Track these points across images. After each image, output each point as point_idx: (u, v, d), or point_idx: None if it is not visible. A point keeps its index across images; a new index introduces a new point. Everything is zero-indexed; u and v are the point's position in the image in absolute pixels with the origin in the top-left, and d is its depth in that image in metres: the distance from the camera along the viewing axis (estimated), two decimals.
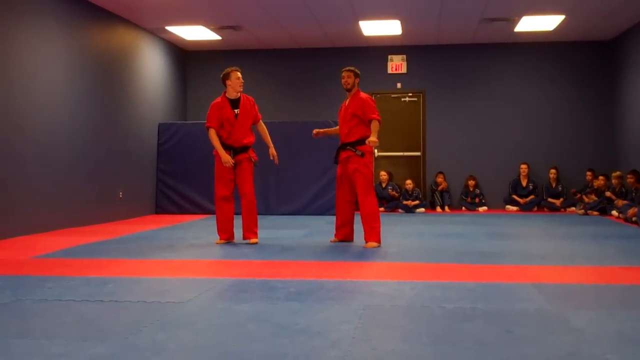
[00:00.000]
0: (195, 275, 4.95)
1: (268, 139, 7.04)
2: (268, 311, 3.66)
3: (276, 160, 7.03)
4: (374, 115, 6.51)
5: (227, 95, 6.78)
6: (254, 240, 6.72)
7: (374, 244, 6.45)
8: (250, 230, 6.74)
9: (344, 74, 6.69)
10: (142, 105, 10.86)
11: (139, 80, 10.79)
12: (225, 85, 6.78)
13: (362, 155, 6.52)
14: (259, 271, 5.10)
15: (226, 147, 6.71)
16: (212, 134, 6.70)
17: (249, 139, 6.84)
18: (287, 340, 3.05)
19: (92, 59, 9.28)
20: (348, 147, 6.59)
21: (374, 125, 6.50)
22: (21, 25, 7.67)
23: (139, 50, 10.81)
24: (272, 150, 7.01)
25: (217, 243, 6.79)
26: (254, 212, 6.77)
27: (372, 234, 6.48)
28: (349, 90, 6.69)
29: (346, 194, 6.74)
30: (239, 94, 6.78)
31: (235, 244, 6.71)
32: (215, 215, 6.96)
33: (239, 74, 6.74)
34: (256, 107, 6.96)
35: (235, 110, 6.74)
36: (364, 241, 6.56)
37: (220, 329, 3.29)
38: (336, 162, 6.78)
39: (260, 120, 7.01)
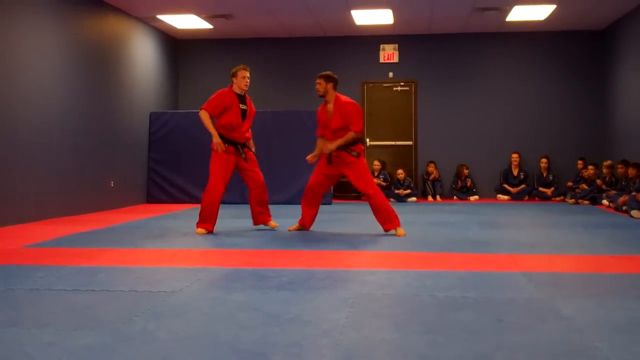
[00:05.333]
0: (187, 265, 4.95)
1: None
2: (259, 300, 3.66)
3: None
4: (356, 128, 6.47)
5: (234, 89, 6.81)
6: (274, 224, 7.01)
7: (401, 229, 6.60)
8: (268, 214, 7.02)
9: (316, 81, 6.63)
10: (133, 94, 10.81)
11: (130, 69, 10.73)
12: (232, 80, 6.82)
13: (358, 155, 6.58)
14: (250, 260, 5.10)
15: (229, 142, 6.76)
16: (205, 115, 6.71)
17: (249, 135, 6.94)
18: (279, 329, 3.06)
19: (83, 47, 9.22)
20: (344, 149, 6.56)
21: (350, 136, 6.48)
22: (11, 13, 7.60)
23: (130, 39, 10.75)
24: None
25: (200, 234, 6.75)
26: (266, 198, 7.03)
27: (395, 220, 6.56)
28: (323, 97, 6.64)
29: (323, 190, 6.82)
30: (243, 92, 6.83)
31: (223, 234, 6.71)
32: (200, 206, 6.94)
33: (245, 73, 6.78)
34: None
35: (243, 106, 6.81)
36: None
37: (211, 318, 3.29)
38: (329, 162, 6.69)
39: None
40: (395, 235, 6.53)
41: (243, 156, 6.79)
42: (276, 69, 12.75)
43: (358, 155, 6.56)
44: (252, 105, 7.00)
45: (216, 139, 6.66)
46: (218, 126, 6.76)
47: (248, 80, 6.79)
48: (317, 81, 6.62)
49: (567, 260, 5.16)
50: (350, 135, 6.48)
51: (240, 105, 6.78)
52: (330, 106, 6.62)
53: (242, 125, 6.80)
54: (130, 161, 10.66)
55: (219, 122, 6.76)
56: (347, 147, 6.55)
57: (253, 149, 7.02)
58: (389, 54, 12.47)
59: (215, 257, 5.31)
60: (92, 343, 2.85)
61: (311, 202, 6.85)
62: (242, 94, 6.83)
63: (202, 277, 4.36)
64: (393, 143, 12.50)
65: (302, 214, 6.91)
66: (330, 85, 6.58)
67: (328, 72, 6.67)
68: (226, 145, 6.72)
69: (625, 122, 10.89)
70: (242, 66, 6.82)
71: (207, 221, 6.78)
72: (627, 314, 3.36)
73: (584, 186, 10.94)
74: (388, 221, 6.56)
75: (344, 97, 6.61)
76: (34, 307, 3.58)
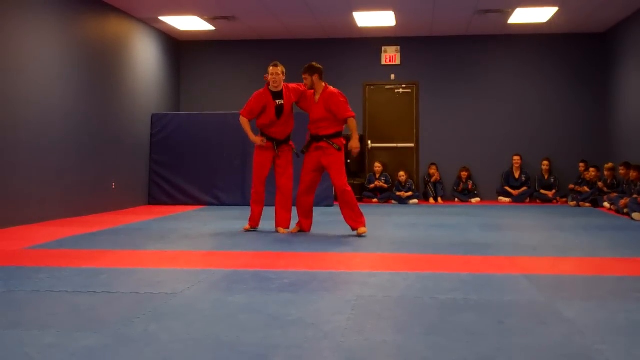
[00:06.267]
0: (188, 266, 4.95)
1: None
2: (261, 302, 3.67)
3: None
4: (349, 113, 6.64)
5: (270, 87, 6.87)
6: (285, 230, 6.93)
7: (364, 229, 6.63)
8: (286, 219, 6.95)
9: (303, 76, 6.75)
10: (135, 95, 10.82)
11: (132, 70, 10.74)
12: None
13: (339, 149, 6.66)
14: (252, 262, 5.11)
15: (268, 138, 6.89)
16: (243, 121, 6.91)
17: (290, 129, 6.99)
18: (280, 331, 3.06)
19: (85, 49, 9.23)
20: (325, 140, 6.66)
21: (352, 124, 6.66)
22: (12, 14, 7.61)
23: (132, 40, 10.76)
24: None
25: (245, 230, 7.05)
26: (289, 206, 6.98)
27: (361, 221, 6.62)
28: (311, 88, 6.78)
29: (314, 186, 6.89)
30: (277, 88, 6.85)
31: (225, 235, 6.72)
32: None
33: (271, 70, 6.85)
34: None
35: (278, 101, 6.83)
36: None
37: (213, 320, 3.30)
38: (303, 152, 6.84)
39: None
40: (357, 234, 6.63)
41: (276, 151, 6.91)
42: None
43: (339, 149, 6.66)
44: (296, 89, 6.93)
45: (252, 137, 6.85)
46: (258, 124, 6.93)
47: (276, 76, 6.81)
48: (304, 76, 6.75)
49: (569, 262, 5.16)
50: (353, 122, 6.67)
51: (277, 101, 6.83)
52: (318, 96, 6.75)
53: (278, 122, 6.85)
54: (132, 163, 10.67)
55: (258, 121, 6.93)
56: (329, 139, 6.65)
57: (294, 148, 7.02)
58: (391, 56, 12.47)
59: (217, 259, 5.32)
60: (94, 345, 2.85)
61: (305, 208, 6.95)
62: (276, 90, 6.86)
63: (204, 279, 4.36)
64: (395, 145, 12.49)
65: (299, 219, 7.02)
66: (315, 77, 6.73)
67: (311, 64, 6.77)
68: (265, 141, 6.86)
69: (626, 124, 10.89)
70: (272, 63, 6.94)
71: (250, 218, 7.06)
72: (628, 316, 3.36)
73: (586, 189, 10.93)
74: (356, 220, 6.64)
75: (331, 88, 6.73)
76: (35, 308, 3.58)
